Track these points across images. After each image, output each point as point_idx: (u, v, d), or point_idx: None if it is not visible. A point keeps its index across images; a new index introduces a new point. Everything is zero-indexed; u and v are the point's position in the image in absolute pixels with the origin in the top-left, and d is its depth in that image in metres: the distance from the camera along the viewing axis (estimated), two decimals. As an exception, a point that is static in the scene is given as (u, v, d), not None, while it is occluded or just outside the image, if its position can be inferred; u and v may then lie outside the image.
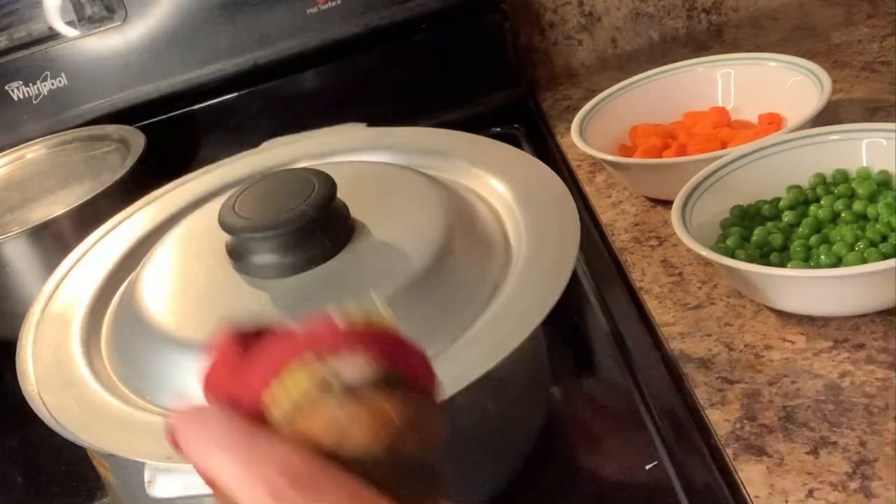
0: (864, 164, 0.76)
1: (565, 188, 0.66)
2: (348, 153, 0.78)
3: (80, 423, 0.57)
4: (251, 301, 0.60)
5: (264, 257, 0.60)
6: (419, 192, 0.67)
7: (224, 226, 0.61)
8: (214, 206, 0.64)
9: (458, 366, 0.53)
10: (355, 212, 0.64)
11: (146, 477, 0.51)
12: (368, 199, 0.65)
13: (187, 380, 0.58)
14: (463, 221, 0.64)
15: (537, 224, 0.63)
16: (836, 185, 0.76)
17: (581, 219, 0.90)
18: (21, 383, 0.61)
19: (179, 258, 0.68)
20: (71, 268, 0.73)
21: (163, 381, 0.59)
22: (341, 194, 0.63)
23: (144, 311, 0.63)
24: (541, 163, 0.70)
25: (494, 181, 0.70)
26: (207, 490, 0.49)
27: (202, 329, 0.59)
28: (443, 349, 0.55)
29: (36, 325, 0.67)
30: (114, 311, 0.68)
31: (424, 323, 0.57)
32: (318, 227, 0.60)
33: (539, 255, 0.60)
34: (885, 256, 0.68)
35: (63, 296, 0.70)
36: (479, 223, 0.65)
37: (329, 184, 0.61)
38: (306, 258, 0.60)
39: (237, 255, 0.62)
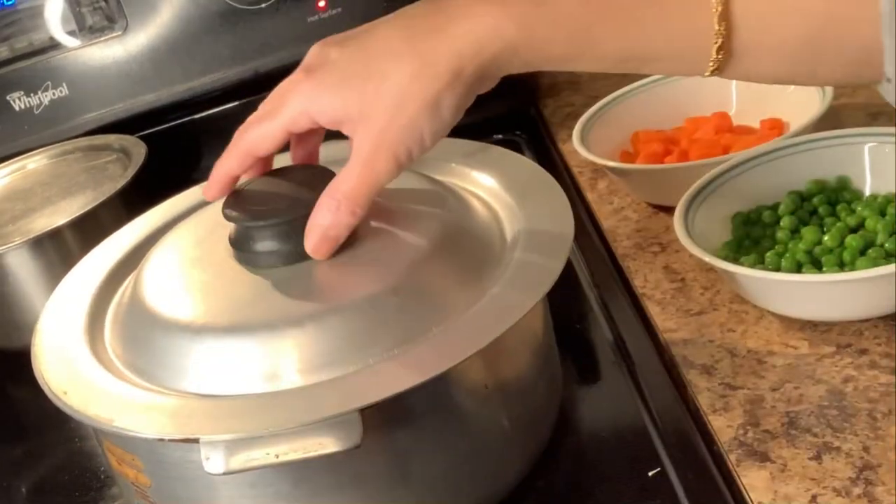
0: (867, 169, 0.76)
1: (563, 193, 0.67)
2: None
3: (81, 399, 0.58)
4: (250, 288, 0.62)
5: (264, 245, 0.62)
6: (419, 189, 0.68)
7: (227, 214, 0.63)
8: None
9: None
10: None
11: (203, 454, 0.51)
12: None
13: (181, 359, 0.59)
14: (460, 217, 0.65)
15: (532, 230, 0.64)
16: (838, 190, 0.76)
17: (583, 225, 0.91)
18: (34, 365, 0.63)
19: (186, 248, 0.69)
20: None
21: (161, 361, 0.60)
22: None
23: (146, 295, 0.64)
24: (542, 168, 0.71)
25: (491, 181, 0.71)
26: (267, 461, 0.51)
27: (199, 311, 0.61)
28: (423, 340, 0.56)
29: (48, 308, 0.69)
30: (120, 296, 0.69)
31: (411, 316, 0.58)
32: None
33: (528, 261, 0.61)
34: (888, 261, 0.68)
35: (74, 281, 0.72)
36: (475, 219, 0.67)
37: (330, 178, 0.62)
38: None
39: (239, 244, 0.63)
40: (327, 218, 0.59)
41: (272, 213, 0.62)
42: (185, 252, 0.68)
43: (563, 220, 0.63)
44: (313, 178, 0.62)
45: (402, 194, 0.68)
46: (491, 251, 0.64)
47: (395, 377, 0.54)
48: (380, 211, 0.65)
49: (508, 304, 0.57)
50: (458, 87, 0.57)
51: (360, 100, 0.58)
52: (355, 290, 0.59)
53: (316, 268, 0.61)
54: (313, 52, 0.62)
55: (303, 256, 0.61)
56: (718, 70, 0.57)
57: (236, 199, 0.63)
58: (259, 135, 0.62)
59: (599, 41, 0.57)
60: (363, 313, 0.57)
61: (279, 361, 0.56)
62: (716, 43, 0.55)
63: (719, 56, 0.56)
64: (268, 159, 0.65)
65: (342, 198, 0.59)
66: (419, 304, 0.58)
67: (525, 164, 0.73)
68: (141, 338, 0.63)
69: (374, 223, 0.64)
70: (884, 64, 0.53)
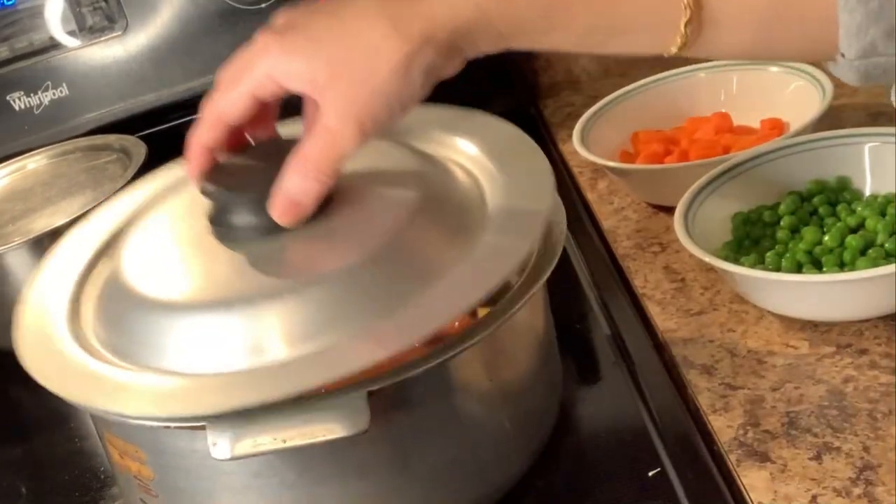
0: (867, 169, 0.76)
1: (543, 155, 0.66)
2: None
3: (62, 383, 0.58)
4: (231, 263, 0.61)
5: (242, 218, 0.61)
6: (397, 160, 0.67)
7: (203, 189, 0.62)
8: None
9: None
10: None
11: (210, 440, 0.51)
12: (347, 167, 0.66)
13: (163, 337, 0.58)
14: (439, 185, 0.64)
15: (512, 193, 0.63)
16: (838, 190, 0.76)
17: (583, 225, 0.91)
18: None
19: (164, 227, 0.68)
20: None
21: (144, 341, 0.59)
22: None
23: (125, 275, 0.63)
24: (523, 132, 0.71)
25: (472, 148, 0.70)
26: (273, 446, 0.51)
27: (178, 289, 0.61)
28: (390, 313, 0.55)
29: (26, 296, 0.67)
30: (100, 278, 0.68)
31: (386, 288, 0.56)
32: None
33: (509, 222, 0.61)
34: (888, 261, 0.68)
35: (55, 265, 0.71)
36: (455, 186, 0.66)
37: None
38: None
39: (217, 219, 0.63)
40: (293, 183, 0.58)
41: (248, 186, 0.61)
42: (164, 230, 0.68)
43: (542, 183, 0.62)
44: (289, 151, 0.61)
45: (381, 164, 0.67)
46: (471, 217, 0.62)
47: (390, 339, 0.53)
48: (359, 181, 0.64)
49: (492, 267, 0.56)
50: (429, 52, 0.57)
51: (328, 63, 0.57)
52: (337, 260, 0.58)
53: (296, 240, 0.60)
54: (280, 18, 0.61)
55: (281, 228, 0.60)
56: (685, 46, 0.58)
57: (212, 175, 0.62)
58: (225, 101, 0.60)
59: (571, 12, 0.58)
60: (346, 283, 0.56)
61: (266, 335, 0.55)
62: (684, 17, 0.56)
63: (686, 31, 0.56)
64: (239, 129, 0.63)
65: (310, 165, 0.57)
66: (402, 272, 0.57)
67: (506, 129, 0.71)
68: (127, 319, 0.61)
69: (354, 193, 0.63)
70: (839, 39, 0.54)
